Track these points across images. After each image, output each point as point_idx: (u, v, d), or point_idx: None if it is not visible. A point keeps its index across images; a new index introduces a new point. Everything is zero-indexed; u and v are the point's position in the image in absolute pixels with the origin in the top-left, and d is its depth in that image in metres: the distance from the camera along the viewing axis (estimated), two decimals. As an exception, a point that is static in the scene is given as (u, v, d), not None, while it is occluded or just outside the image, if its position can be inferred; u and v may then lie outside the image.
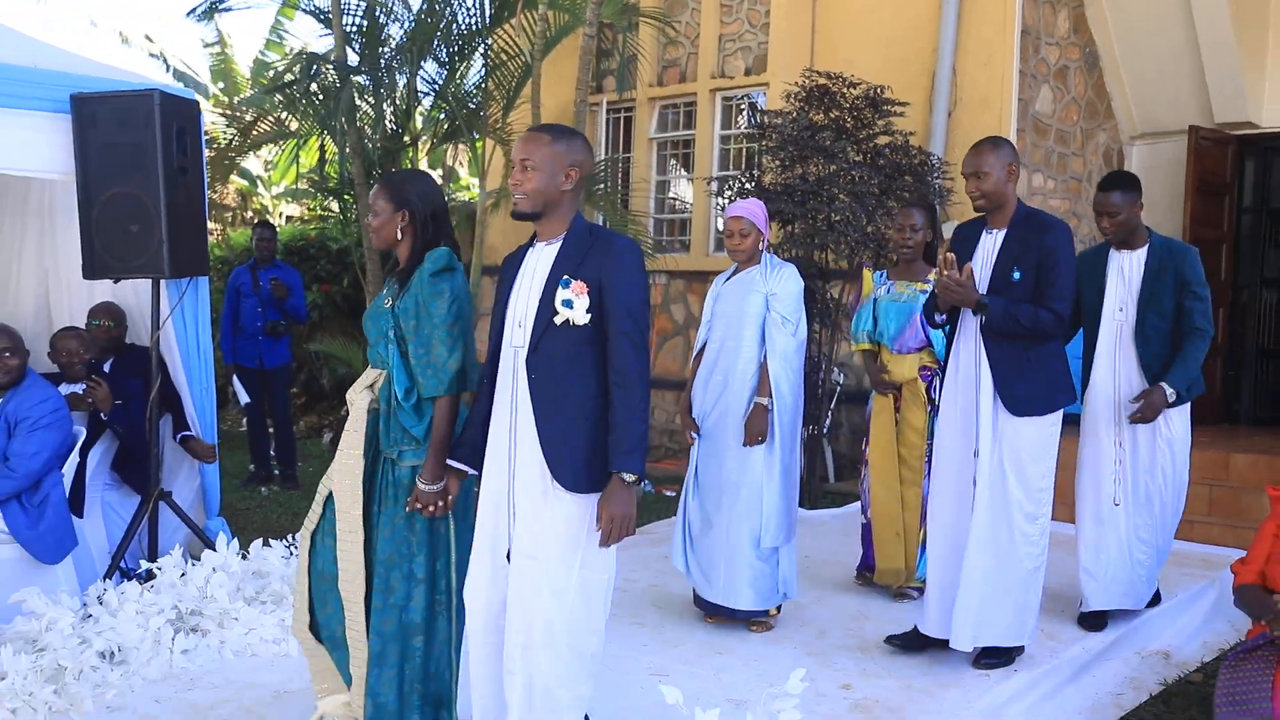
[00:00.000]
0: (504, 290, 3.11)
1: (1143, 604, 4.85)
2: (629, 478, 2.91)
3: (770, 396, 4.49)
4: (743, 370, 4.53)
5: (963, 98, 8.20)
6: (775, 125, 7.45)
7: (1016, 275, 4.02)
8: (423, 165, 10.30)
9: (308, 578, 3.35)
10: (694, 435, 4.68)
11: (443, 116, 9.75)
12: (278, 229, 9.85)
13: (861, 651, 4.41)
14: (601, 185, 8.78)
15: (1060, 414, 4.15)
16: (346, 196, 9.56)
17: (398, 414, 3.18)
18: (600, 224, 9.67)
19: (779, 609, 4.71)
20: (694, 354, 4.80)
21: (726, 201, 8.12)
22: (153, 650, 4.00)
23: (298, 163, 12.17)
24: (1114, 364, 4.68)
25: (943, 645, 4.28)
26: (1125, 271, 4.67)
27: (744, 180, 7.70)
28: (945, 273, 4.01)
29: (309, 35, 32.39)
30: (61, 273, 5.95)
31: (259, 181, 17.56)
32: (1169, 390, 4.52)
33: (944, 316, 4.22)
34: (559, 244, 3.01)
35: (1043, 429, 4.09)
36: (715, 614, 4.68)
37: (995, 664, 4.20)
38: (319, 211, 12.16)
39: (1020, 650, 4.28)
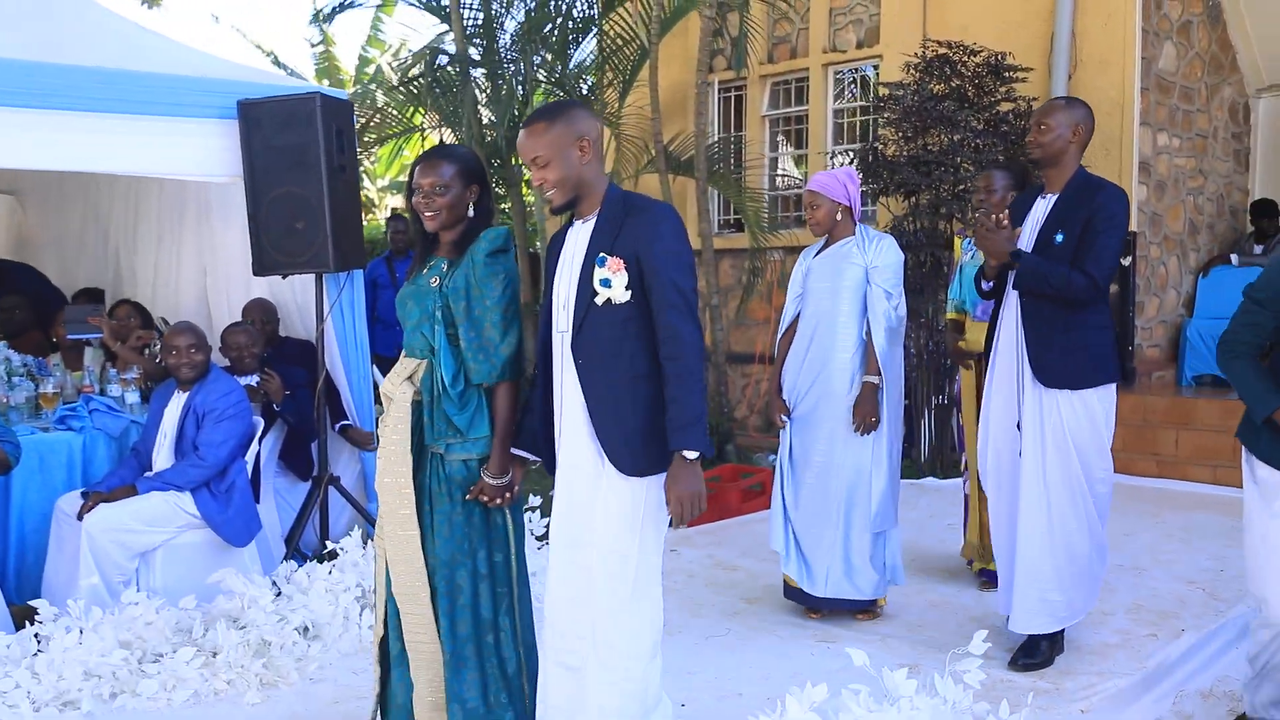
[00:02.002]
0: (549, 274, 3.01)
1: None
2: (690, 455, 2.78)
3: (879, 374, 4.31)
4: (842, 347, 4.35)
5: (1083, 59, 8.06)
6: (897, 97, 7.44)
7: (1059, 238, 3.80)
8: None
9: (387, 589, 3.17)
10: (784, 419, 4.47)
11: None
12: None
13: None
14: (719, 165, 8.84)
15: (1110, 391, 3.89)
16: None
17: (441, 403, 3.03)
18: (712, 201, 9.74)
19: (884, 599, 4.56)
20: (780, 331, 4.58)
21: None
22: (343, 626, 4.22)
23: (401, 155, 12.42)
24: None
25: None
26: None
27: (866, 153, 7.71)
28: (979, 218, 3.94)
29: (406, 31, 32.91)
30: (220, 270, 6.25)
31: (364, 175, 18.02)
32: None
33: (990, 284, 4.04)
34: (594, 220, 2.89)
35: (1085, 403, 3.83)
36: (817, 609, 4.48)
37: (1032, 664, 3.93)
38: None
39: (1054, 650, 4.01)
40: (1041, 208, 3.94)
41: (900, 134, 7.47)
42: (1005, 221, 3.85)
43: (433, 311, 3.03)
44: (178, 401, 4.69)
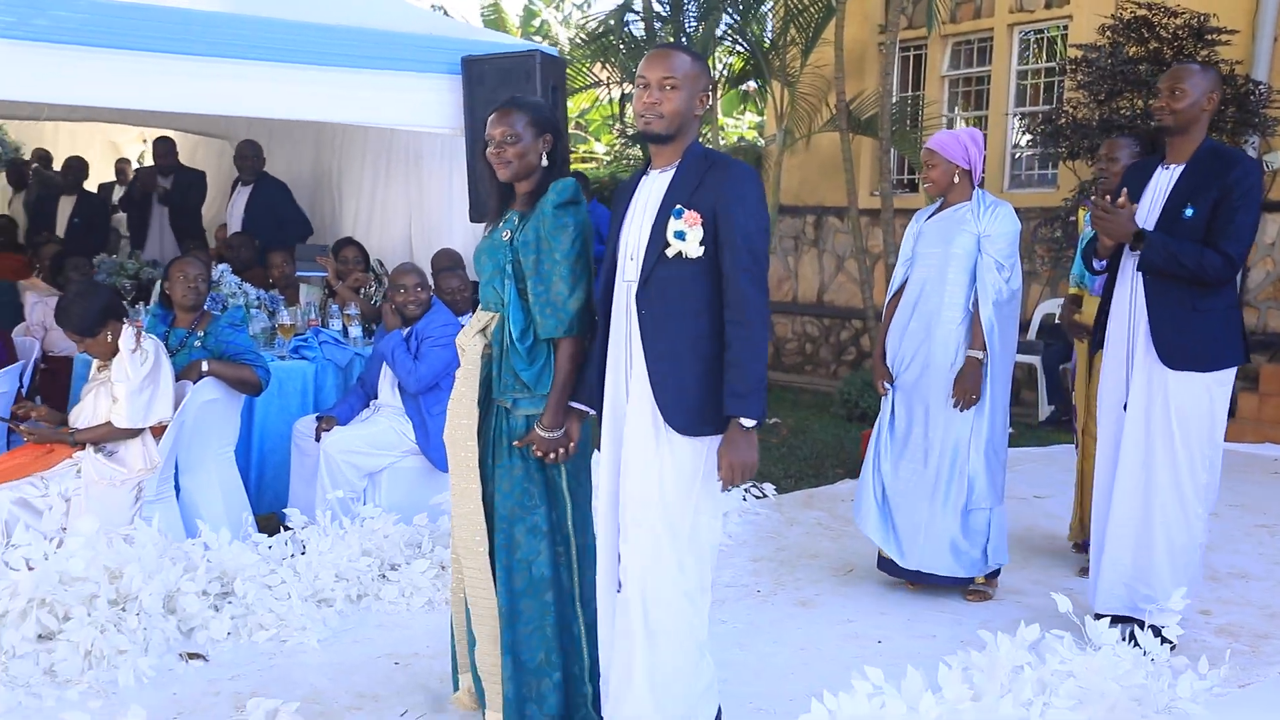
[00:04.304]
0: (617, 222, 2.93)
1: None
2: (747, 423, 2.72)
3: (984, 349, 4.13)
4: (947, 318, 4.18)
5: (1292, 21, 7.78)
6: (1090, 59, 7.35)
7: (1189, 212, 3.61)
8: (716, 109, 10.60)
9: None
10: (887, 386, 4.33)
11: (729, 60, 10.06)
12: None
13: (1214, 580, 4.50)
14: (897, 125, 8.86)
15: (1231, 374, 3.72)
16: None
17: (510, 356, 3.00)
18: (895, 163, 9.72)
19: (993, 577, 4.38)
20: (888, 296, 4.44)
21: (1032, 138, 8.07)
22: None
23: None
24: None
25: None
26: None
27: (1054, 115, 7.65)
28: (1096, 200, 3.69)
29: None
30: (424, 214, 6.65)
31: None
32: None
33: (1104, 262, 3.84)
34: (673, 171, 2.82)
35: (1206, 387, 3.67)
36: (916, 581, 4.34)
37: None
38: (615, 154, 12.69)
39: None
40: (1165, 179, 3.74)
41: (1092, 97, 7.37)
42: (1124, 201, 3.67)
43: (503, 265, 3.00)
44: (400, 336, 5.06)
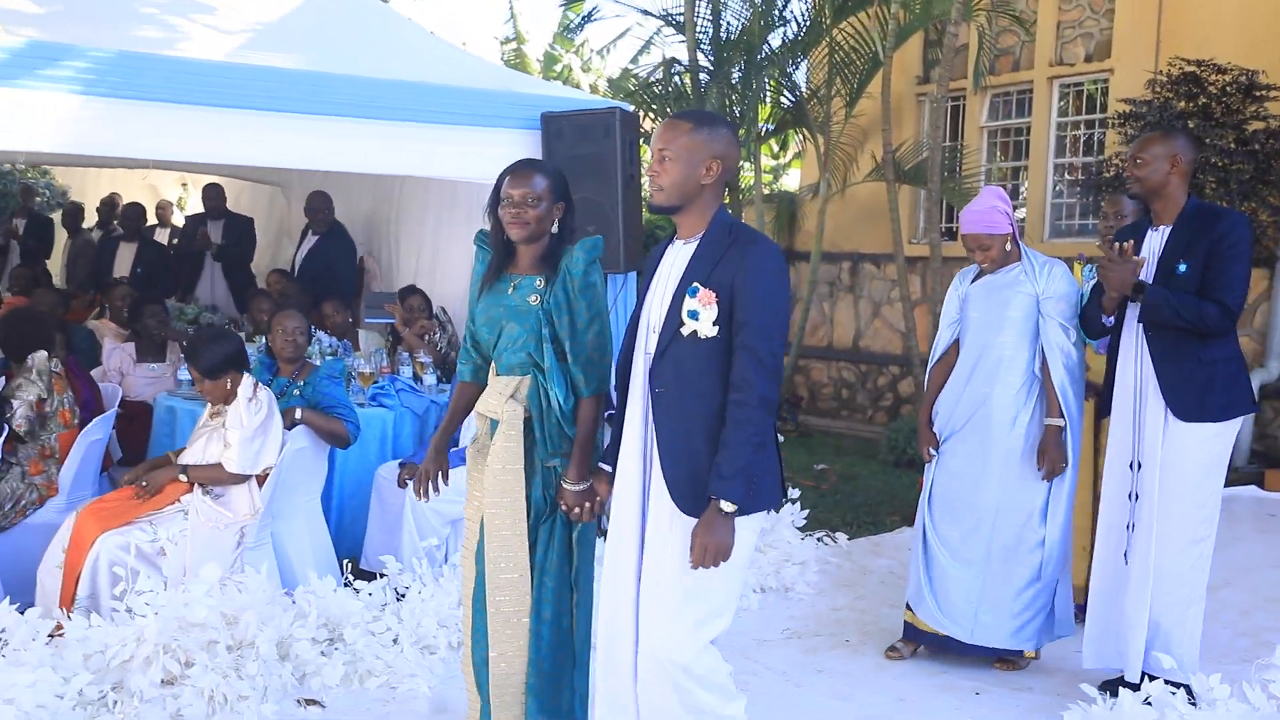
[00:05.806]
0: (643, 290, 2.93)
1: None
2: (726, 507, 2.64)
3: (1062, 415, 4.01)
4: (1008, 382, 4.06)
5: (1333, 77, 7.92)
6: (1139, 114, 7.48)
7: (1182, 268, 3.70)
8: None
9: (472, 605, 3.16)
10: (932, 452, 4.22)
11: (767, 110, 10.24)
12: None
13: (1296, 633, 4.55)
14: (944, 174, 9.00)
15: (1234, 425, 3.78)
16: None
17: (556, 419, 3.00)
18: (920, 209, 9.89)
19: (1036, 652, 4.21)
20: (932, 360, 4.33)
21: (1078, 189, 8.17)
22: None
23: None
24: None
25: None
26: None
27: (1102, 168, 7.78)
28: (1102, 248, 3.76)
29: (596, 30, 33.54)
30: (485, 266, 6.76)
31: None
32: None
33: (1111, 319, 3.87)
34: (696, 243, 2.79)
35: (1213, 439, 3.75)
36: (943, 648, 4.19)
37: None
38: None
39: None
40: (1156, 240, 3.83)
41: (1141, 151, 7.50)
42: (1129, 252, 3.72)
43: (538, 330, 2.98)
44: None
